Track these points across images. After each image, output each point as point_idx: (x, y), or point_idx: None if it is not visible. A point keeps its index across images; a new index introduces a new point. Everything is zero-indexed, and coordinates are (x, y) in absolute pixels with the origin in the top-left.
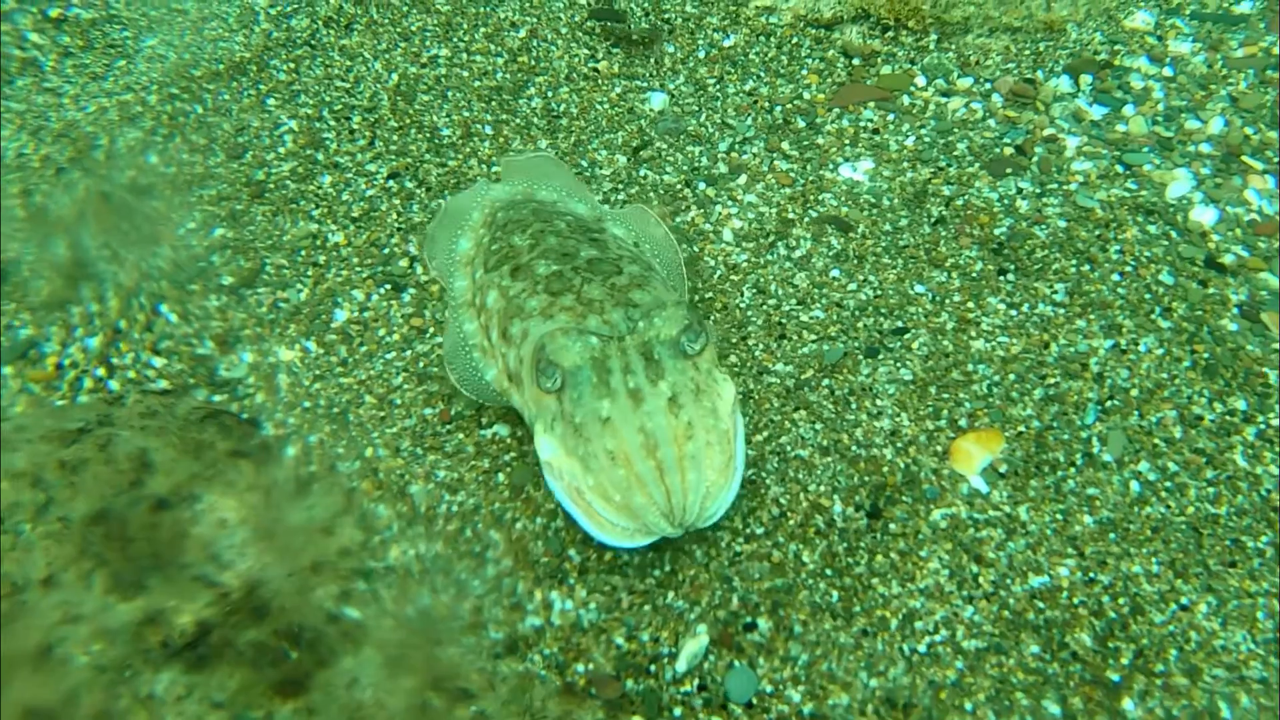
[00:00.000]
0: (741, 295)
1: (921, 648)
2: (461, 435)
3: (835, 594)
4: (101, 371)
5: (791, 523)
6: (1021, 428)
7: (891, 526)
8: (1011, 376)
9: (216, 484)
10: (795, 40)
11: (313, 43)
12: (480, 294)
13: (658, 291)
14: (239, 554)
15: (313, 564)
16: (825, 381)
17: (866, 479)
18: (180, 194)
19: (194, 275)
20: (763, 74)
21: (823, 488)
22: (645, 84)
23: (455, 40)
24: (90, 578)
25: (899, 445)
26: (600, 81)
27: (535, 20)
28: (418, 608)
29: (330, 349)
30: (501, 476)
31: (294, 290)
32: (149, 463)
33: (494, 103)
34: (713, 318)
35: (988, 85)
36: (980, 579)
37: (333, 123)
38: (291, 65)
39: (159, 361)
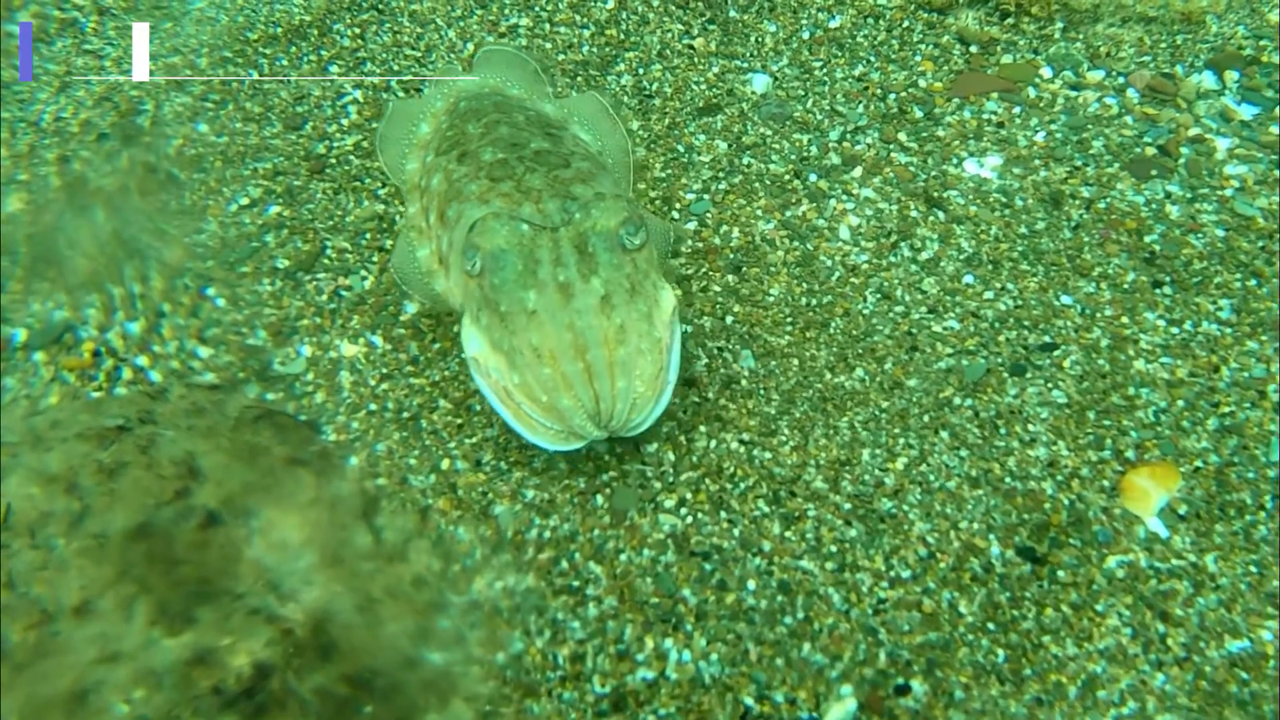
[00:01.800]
0: (864, 300)
1: None
2: None
3: (1001, 653)
4: (143, 360)
5: (943, 565)
6: (1198, 462)
7: (1060, 574)
8: (1180, 403)
9: (273, 496)
10: (906, 24)
11: (380, 6)
12: (427, 177)
13: (602, 187)
14: (303, 582)
15: (384, 595)
16: (968, 401)
17: (1026, 517)
18: (232, 166)
19: (245, 256)
20: (873, 58)
21: (976, 525)
22: (745, 64)
23: (537, 9)
24: (131, 606)
25: (1059, 478)
26: (696, 59)
27: None
28: (509, 653)
29: (399, 345)
30: (600, 499)
31: (357, 278)
32: (196, 469)
33: (579, 78)
34: (833, 324)
35: (1121, 79)
36: (1169, 640)
37: (401, 94)
38: (356, 30)
39: (205, 351)
